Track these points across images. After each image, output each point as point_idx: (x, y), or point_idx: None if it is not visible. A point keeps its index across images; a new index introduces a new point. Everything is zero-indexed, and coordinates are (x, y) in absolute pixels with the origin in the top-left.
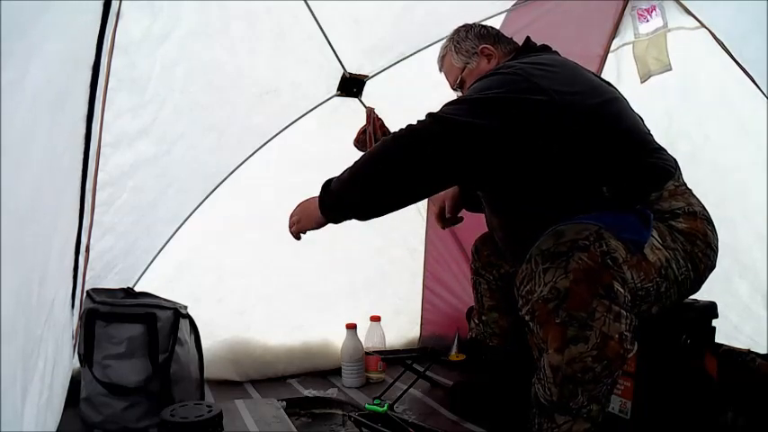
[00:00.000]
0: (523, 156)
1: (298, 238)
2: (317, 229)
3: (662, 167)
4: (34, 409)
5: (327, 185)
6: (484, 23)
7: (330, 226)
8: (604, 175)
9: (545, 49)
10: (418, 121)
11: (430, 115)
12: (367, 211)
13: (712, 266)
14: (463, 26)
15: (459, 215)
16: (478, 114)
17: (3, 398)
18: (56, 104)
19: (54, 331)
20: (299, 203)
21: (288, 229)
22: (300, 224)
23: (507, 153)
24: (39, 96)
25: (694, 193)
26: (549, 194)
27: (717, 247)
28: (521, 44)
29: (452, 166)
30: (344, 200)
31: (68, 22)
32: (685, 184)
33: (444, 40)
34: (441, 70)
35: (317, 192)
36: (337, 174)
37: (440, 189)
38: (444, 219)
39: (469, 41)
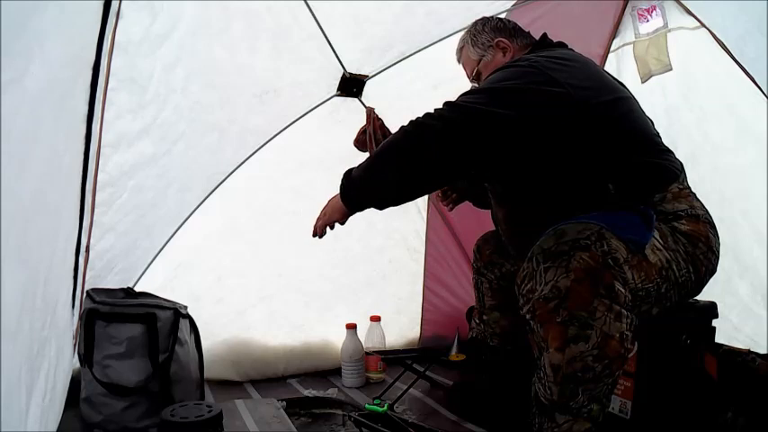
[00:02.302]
0: (536, 147)
1: (320, 234)
2: (341, 220)
3: (667, 169)
4: (38, 409)
5: (348, 174)
6: (501, 17)
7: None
8: (610, 172)
9: (561, 45)
10: (435, 110)
11: (448, 104)
12: (385, 200)
13: (713, 270)
14: (481, 19)
15: (453, 196)
16: (496, 104)
17: (9, 398)
18: (58, 105)
19: (56, 332)
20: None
21: (313, 226)
22: (326, 217)
23: (521, 143)
24: (41, 96)
25: (696, 194)
26: (556, 187)
27: (718, 251)
28: (537, 38)
29: (469, 153)
30: (364, 188)
31: (69, 22)
32: (689, 188)
33: (463, 32)
34: (459, 62)
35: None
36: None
37: (454, 177)
38: (443, 192)
39: (485, 34)
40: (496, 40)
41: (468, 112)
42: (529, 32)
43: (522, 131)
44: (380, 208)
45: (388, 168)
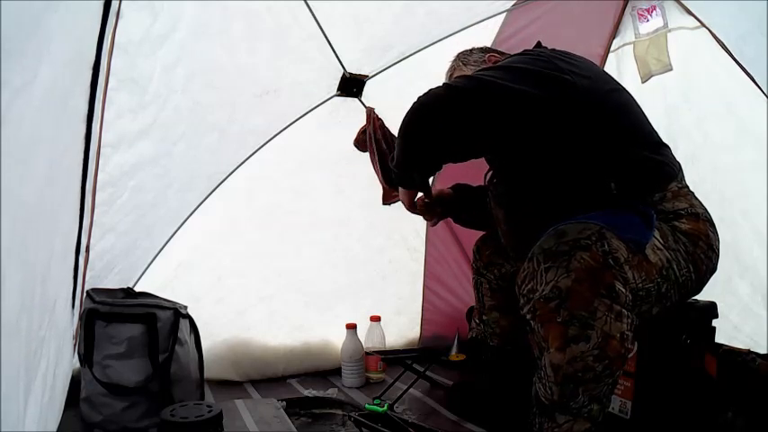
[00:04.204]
0: (542, 131)
1: (415, 211)
2: (406, 200)
3: (667, 165)
4: (37, 408)
5: (391, 159)
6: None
7: (330, 225)
8: (610, 168)
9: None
10: (453, 81)
11: (463, 76)
12: (419, 169)
13: (713, 269)
14: (463, 50)
15: (437, 210)
16: (512, 79)
17: (7, 398)
18: (60, 105)
19: (56, 332)
20: None
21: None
22: (400, 198)
23: (533, 122)
24: (46, 97)
25: (695, 193)
26: (557, 185)
27: (718, 250)
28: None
29: (482, 122)
30: (399, 164)
31: (72, 23)
32: (688, 186)
33: (449, 63)
34: None
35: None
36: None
37: (470, 149)
38: (425, 202)
39: (476, 54)
40: (488, 55)
41: (484, 82)
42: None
43: (534, 109)
44: (424, 176)
45: (412, 139)
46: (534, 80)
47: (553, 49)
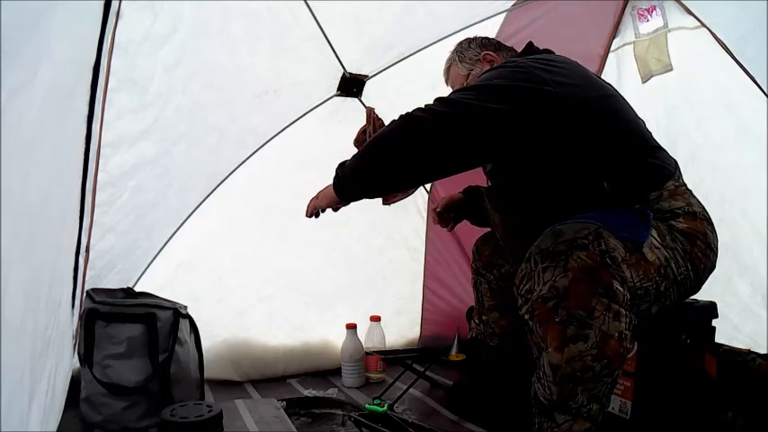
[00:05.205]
0: (527, 143)
1: (312, 215)
2: (332, 207)
3: (662, 167)
4: (41, 409)
5: (342, 165)
6: (485, 35)
7: (331, 224)
8: (604, 170)
9: (547, 52)
10: (426, 105)
11: (439, 99)
12: (375, 191)
13: (712, 267)
14: (465, 39)
15: (450, 215)
16: (487, 99)
17: (11, 399)
18: (62, 106)
19: (59, 332)
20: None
21: (305, 209)
22: (317, 201)
23: (512, 138)
24: (47, 98)
25: (694, 193)
26: (551, 188)
27: (716, 248)
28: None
29: (460, 146)
30: (355, 180)
31: (72, 23)
32: (685, 185)
33: (448, 54)
34: (447, 83)
35: (316, 192)
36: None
37: (446, 171)
38: (436, 212)
39: (472, 50)
40: (483, 53)
41: (459, 106)
42: (512, 47)
43: (512, 125)
44: (371, 197)
45: (379, 161)
46: (509, 95)
47: (536, 59)
